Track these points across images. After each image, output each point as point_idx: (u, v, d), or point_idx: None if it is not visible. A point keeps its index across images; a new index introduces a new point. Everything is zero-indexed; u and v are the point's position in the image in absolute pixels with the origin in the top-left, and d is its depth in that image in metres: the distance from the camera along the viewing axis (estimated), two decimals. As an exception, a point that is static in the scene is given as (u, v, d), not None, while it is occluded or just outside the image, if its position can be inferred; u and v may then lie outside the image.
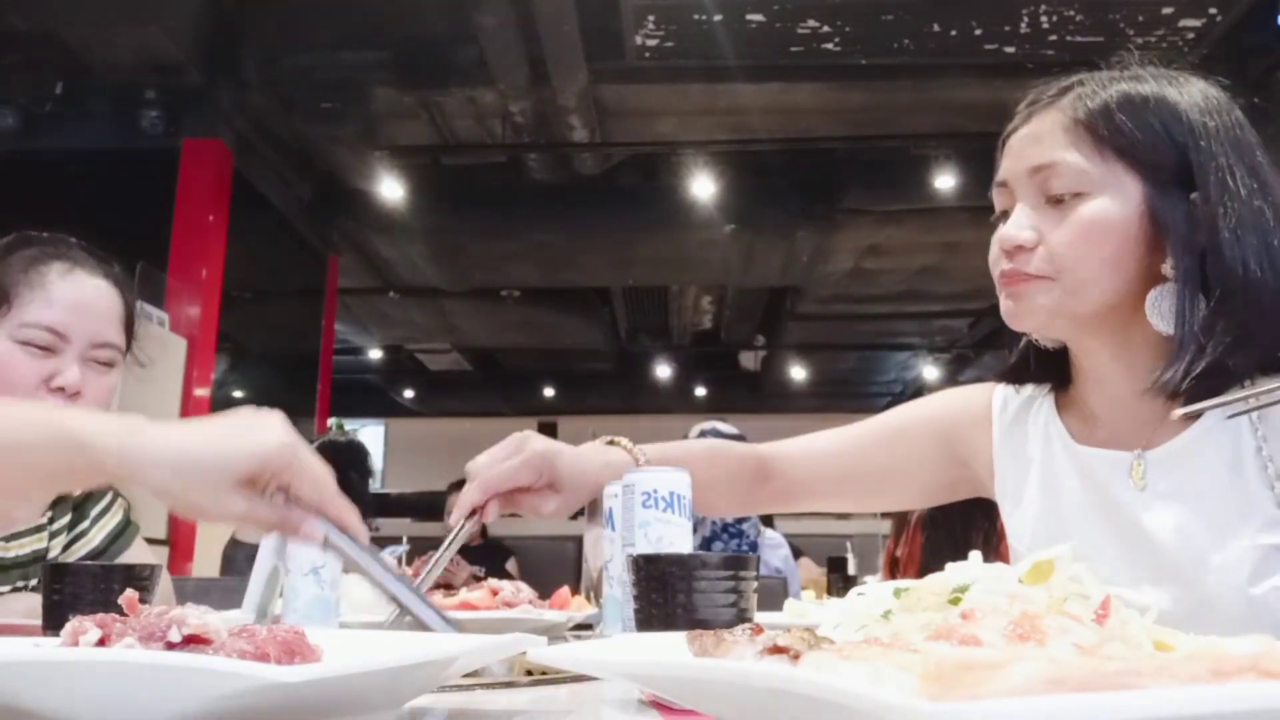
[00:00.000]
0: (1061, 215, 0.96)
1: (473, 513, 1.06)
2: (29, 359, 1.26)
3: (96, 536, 1.45)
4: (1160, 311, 0.95)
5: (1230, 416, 0.92)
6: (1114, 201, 0.95)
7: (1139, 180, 0.95)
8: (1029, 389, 1.15)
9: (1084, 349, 1.04)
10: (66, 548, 1.42)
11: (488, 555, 4.80)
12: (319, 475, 0.80)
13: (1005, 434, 1.15)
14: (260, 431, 0.77)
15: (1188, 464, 0.96)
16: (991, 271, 1.03)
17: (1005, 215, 1.02)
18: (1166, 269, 0.95)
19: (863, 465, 1.26)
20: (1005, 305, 1.01)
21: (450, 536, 1.07)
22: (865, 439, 1.27)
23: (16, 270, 1.28)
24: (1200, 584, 0.93)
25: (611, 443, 1.19)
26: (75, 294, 1.29)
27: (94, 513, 1.46)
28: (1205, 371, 0.91)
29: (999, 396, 1.18)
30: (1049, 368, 1.11)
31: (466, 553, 4.74)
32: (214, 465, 0.75)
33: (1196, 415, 0.93)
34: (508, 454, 1.07)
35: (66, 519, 1.43)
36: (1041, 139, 0.98)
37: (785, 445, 1.30)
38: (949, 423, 1.22)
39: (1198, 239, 0.93)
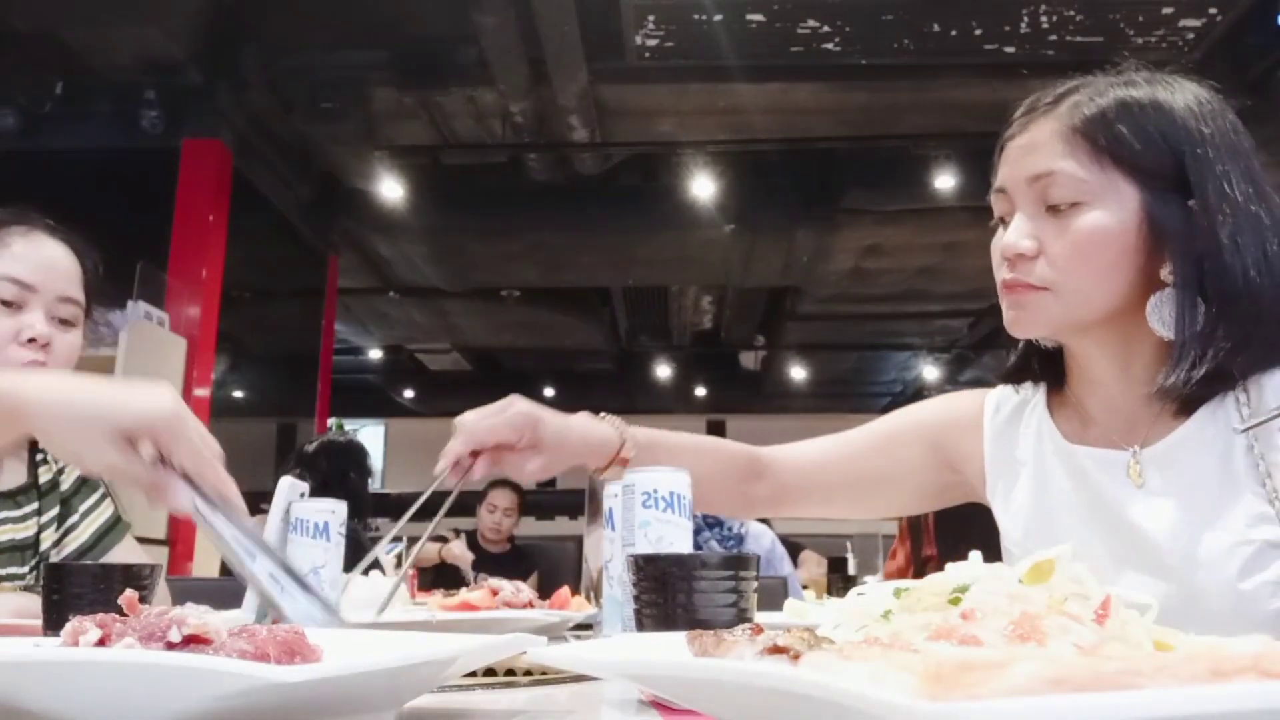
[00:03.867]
0: (1061, 225, 0.97)
1: (455, 465, 1.08)
2: None
3: (86, 532, 1.46)
4: (1161, 317, 0.96)
5: None
6: (1112, 210, 0.95)
7: (1137, 188, 0.96)
8: (1022, 393, 1.16)
9: (1084, 352, 1.05)
10: (57, 543, 1.43)
11: (512, 563, 4.70)
12: (198, 447, 0.81)
13: (996, 437, 1.16)
14: (148, 395, 0.80)
15: (1181, 461, 0.98)
16: (995, 274, 1.04)
17: (1003, 221, 1.03)
18: (1165, 274, 0.96)
19: (853, 470, 1.27)
20: (1008, 315, 1.02)
21: (430, 490, 1.08)
22: (857, 444, 1.28)
23: None
24: (1190, 578, 0.94)
25: (601, 419, 1.20)
26: (37, 253, 1.36)
27: (83, 508, 1.47)
28: (1207, 376, 0.92)
29: (991, 400, 1.19)
30: (1047, 367, 1.12)
31: (490, 563, 4.65)
32: (96, 417, 0.78)
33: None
34: (494, 411, 1.09)
35: (55, 511, 1.43)
36: (1039, 147, 0.99)
37: (779, 448, 1.31)
38: (939, 428, 1.23)
39: (1197, 245, 0.94)
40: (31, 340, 1.30)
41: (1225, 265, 0.93)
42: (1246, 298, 0.92)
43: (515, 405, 1.10)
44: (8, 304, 1.31)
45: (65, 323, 1.36)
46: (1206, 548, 0.94)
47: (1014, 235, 0.99)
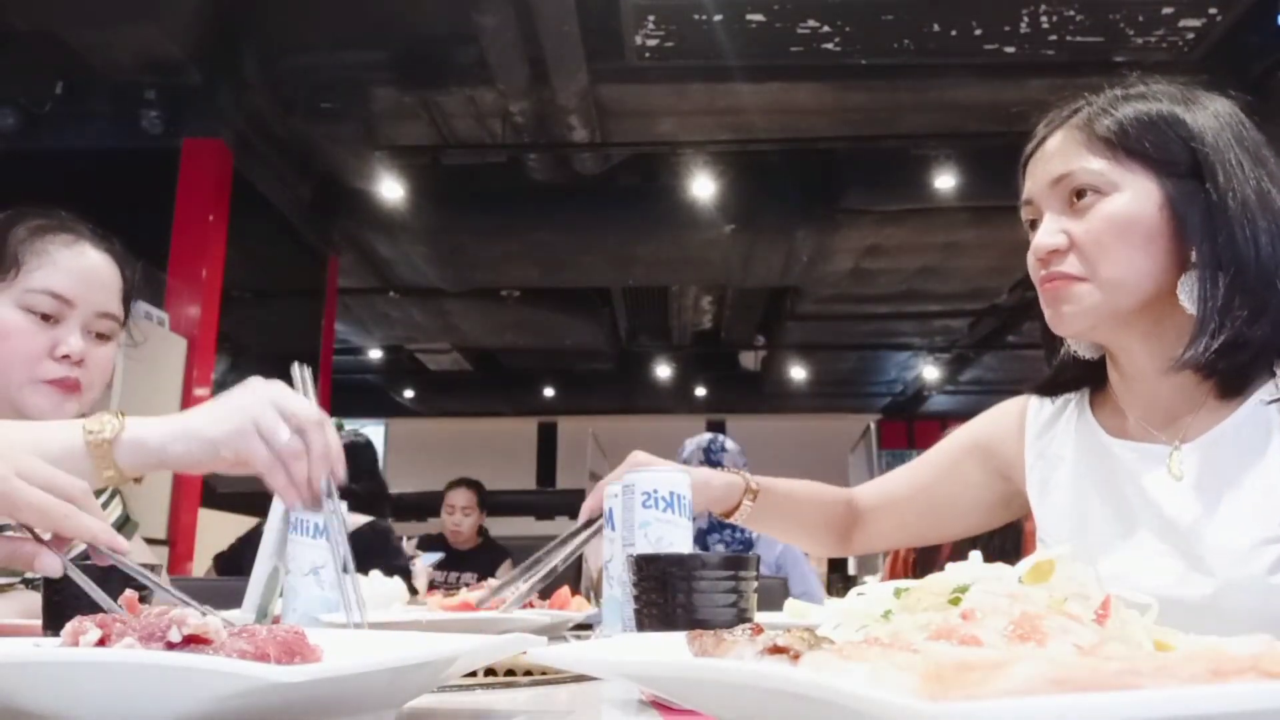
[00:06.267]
0: (1086, 215, 1.02)
1: (594, 520, 1.15)
2: (33, 328, 1.26)
3: None
4: (1190, 295, 1.00)
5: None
6: (1134, 197, 1.01)
7: (1155, 178, 1.01)
8: (1064, 395, 1.20)
9: (1123, 347, 1.09)
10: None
11: (483, 556, 4.67)
12: (42, 504, 0.75)
13: (1037, 435, 1.20)
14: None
15: (1220, 455, 1.01)
16: (1033, 280, 1.08)
17: (1032, 225, 1.08)
18: (1194, 258, 1.00)
19: (922, 498, 1.33)
20: (1050, 314, 1.06)
21: (570, 538, 1.15)
22: (922, 472, 1.34)
23: (22, 238, 1.29)
24: (1222, 570, 0.97)
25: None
26: (80, 264, 1.31)
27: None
28: (1226, 345, 0.96)
29: (1034, 404, 1.23)
30: (1084, 375, 1.16)
31: (461, 560, 4.61)
32: None
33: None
34: (620, 467, 1.17)
35: None
36: (1059, 153, 1.05)
37: (867, 489, 1.38)
38: (985, 438, 1.28)
39: (1214, 225, 0.99)
40: (65, 356, 1.27)
41: (1239, 241, 0.97)
42: (1260, 269, 0.97)
43: (635, 457, 1.18)
44: (45, 317, 1.27)
45: (101, 336, 1.33)
46: (1238, 542, 0.97)
47: (1043, 235, 1.04)
